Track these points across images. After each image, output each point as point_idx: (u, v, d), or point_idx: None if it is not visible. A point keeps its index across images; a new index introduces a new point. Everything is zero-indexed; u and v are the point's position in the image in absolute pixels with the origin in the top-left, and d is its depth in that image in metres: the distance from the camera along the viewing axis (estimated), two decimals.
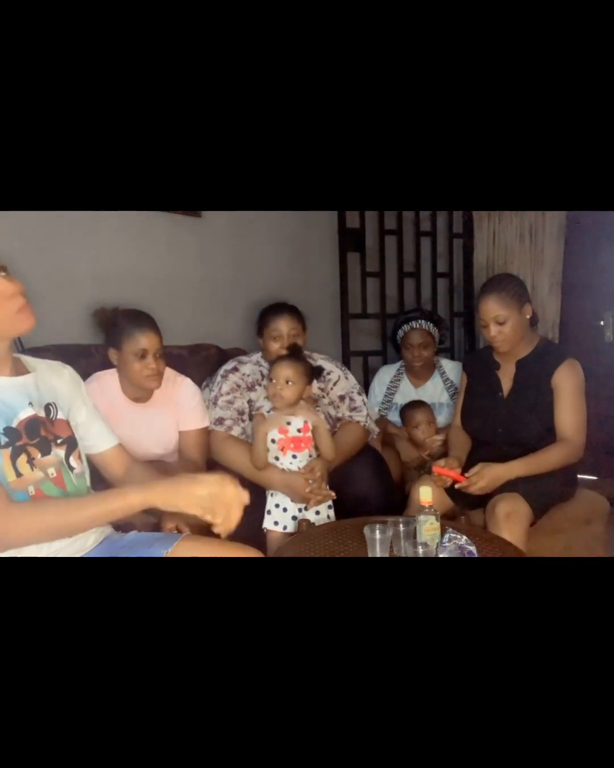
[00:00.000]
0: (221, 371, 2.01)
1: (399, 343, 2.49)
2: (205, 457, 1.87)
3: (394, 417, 2.44)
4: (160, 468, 1.75)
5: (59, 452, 1.19)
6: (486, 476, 1.65)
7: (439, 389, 2.46)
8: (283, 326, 1.94)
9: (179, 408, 1.83)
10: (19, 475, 1.09)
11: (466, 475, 1.68)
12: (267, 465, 1.76)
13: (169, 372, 1.82)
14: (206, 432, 1.88)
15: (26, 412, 1.14)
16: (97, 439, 1.34)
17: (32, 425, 1.14)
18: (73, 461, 1.22)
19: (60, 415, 1.23)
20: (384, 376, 2.57)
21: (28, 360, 1.24)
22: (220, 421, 1.90)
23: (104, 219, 2.09)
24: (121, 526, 1.35)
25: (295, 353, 1.85)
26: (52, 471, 1.16)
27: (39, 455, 1.14)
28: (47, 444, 1.16)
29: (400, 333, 2.48)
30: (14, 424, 1.11)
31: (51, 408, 1.21)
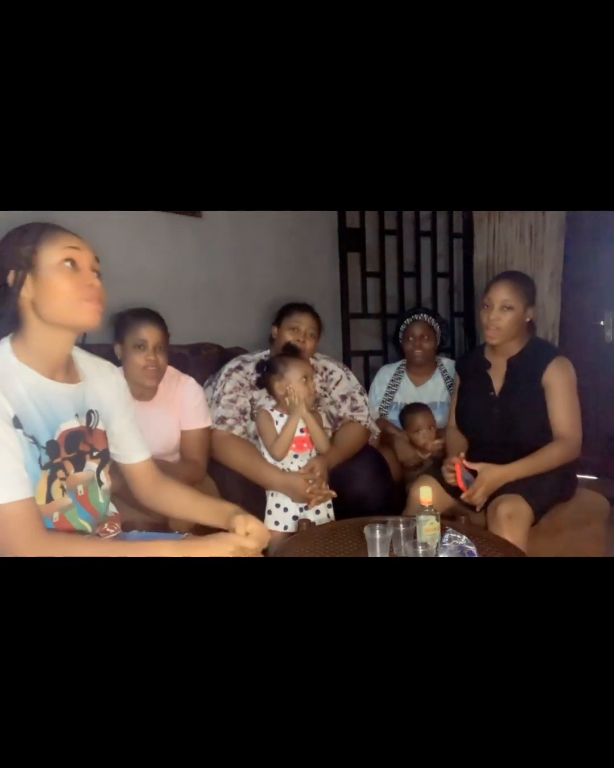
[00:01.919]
0: (224, 370, 2.01)
1: (401, 339, 2.50)
2: (206, 456, 1.87)
3: (395, 416, 2.44)
4: (162, 467, 1.76)
5: (92, 466, 1.15)
6: (486, 481, 1.66)
7: (441, 388, 2.46)
8: (305, 321, 2.00)
9: (182, 407, 1.83)
10: (50, 499, 1.06)
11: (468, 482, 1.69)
12: (246, 459, 1.79)
13: (172, 371, 1.83)
14: (208, 431, 1.88)
15: (69, 424, 1.10)
16: (132, 449, 1.27)
17: (72, 438, 1.10)
18: (103, 476, 1.18)
19: (99, 425, 1.19)
20: (384, 375, 2.58)
21: (80, 359, 1.18)
22: (222, 420, 1.90)
23: (104, 219, 2.09)
24: (123, 525, 1.35)
25: (295, 353, 1.86)
26: (80, 489, 1.12)
27: (73, 471, 1.10)
28: (82, 458, 1.12)
29: (402, 327, 2.50)
30: (56, 436, 1.07)
31: (92, 415, 1.17)
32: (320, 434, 1.81)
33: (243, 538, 1.11)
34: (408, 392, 2.48)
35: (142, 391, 1.77)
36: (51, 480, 1.06)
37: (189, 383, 1.87)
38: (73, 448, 1.10)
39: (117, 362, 1.78)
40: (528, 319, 1.82)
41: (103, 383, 1.21)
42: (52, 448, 1.06)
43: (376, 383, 2.58)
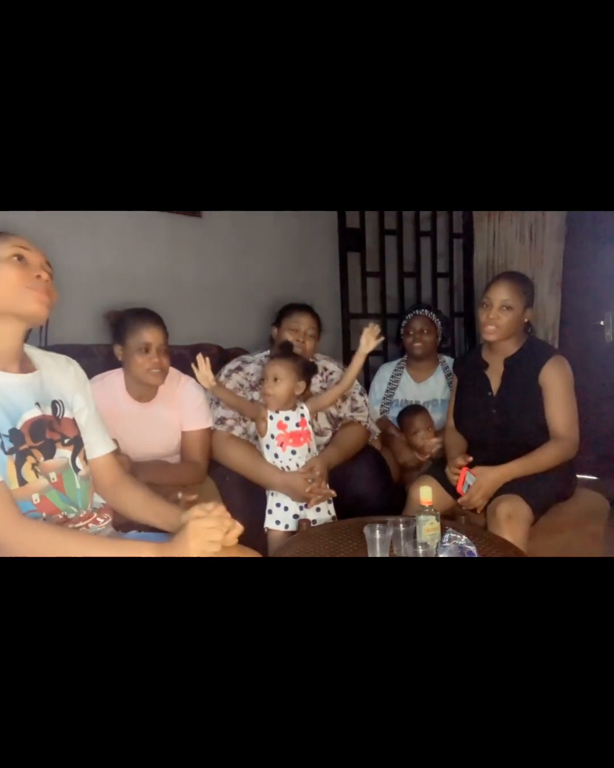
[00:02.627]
0: (225, 370, 2.01)
1: (401, 335, 2.51)
2: (207, 457, 1.87)
3: (395, 414, 2.44)
4: (162, 467, 1.76)
5: (65, 453, 1.17)
6: (484, 485, 1.66)
7: (442, 386, 2.45)
8: (304, 321, 2.00)
9: (182, 408, 1.83)
10: (23, 482, 1.07)
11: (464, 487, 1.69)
12: (246, 459, 1.80)
13: (172, 371, 1.83)
14: (208, 432, 1.88)
15: (32, 413, 1.12)
16: (93, 443, 1.28)
17: (37, 427, 1.12)
18: (79, 462, 1.19)
19: (66, 414, 1.20)
20: (384, 373, 2.57)
21: (34, 354, 1.21)
22: (222, 420, 1.90)
23: (104, 219, 2.09)
24: (121, 525, 1.35)
25: (286, 351, 1.86)
26: (53, 475, 1.13)
27: (42, 458, 1.11)
28: (51, 446, 1.14)
29: (403, 322, 2.50)
30: (18, 426, 1.09)
31: (58, 405, 1.19)
32: (322, 396, 1.87)
33: (204, 521, 1.07)
34: (409, 389, 2.48)
35: (143, 391, 1.77)
36: (19, 464, 1.07)
37: (189, 384, 1.87)
38: (39, 437, 1.12)
39: (116, 364, 1.78)
40: (526, 320, 1.83)
41: (60, 374, 1.24)
42: (15, 436, 1.08)
43: (376, 381, 2.58)
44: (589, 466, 2.83)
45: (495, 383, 1.88)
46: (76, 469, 1.19)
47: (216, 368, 2.11)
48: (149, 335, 1.70)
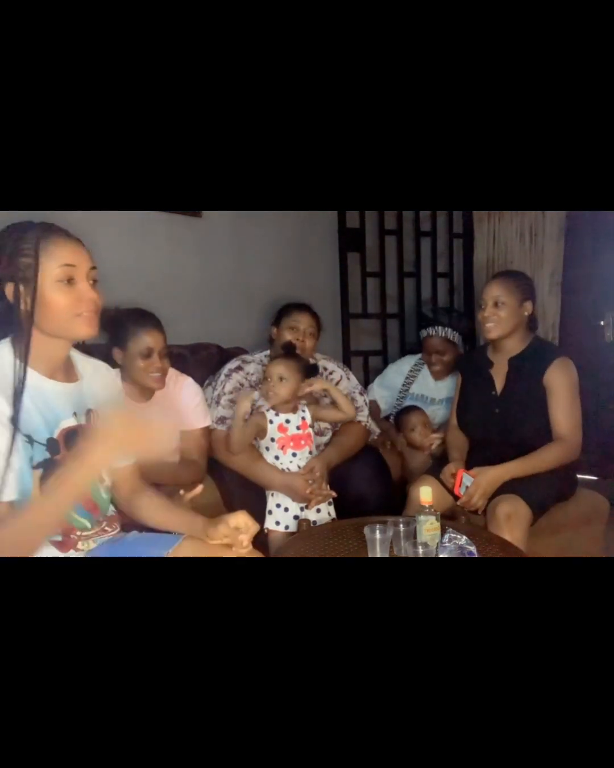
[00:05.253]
0: (225, 370, 2.01)
1: (421, 342, 2.49)
2: (206, 456, 1.87)
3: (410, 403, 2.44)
4: (161, 467, 1.76)
5: None
6: (482, 484, 1.66)
7: None
8: (303, 321, 2.00)
9: (181, 407, 1.83)
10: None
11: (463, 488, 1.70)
12: (245, 449, 1.79)
13: (171, 371, 1.82)
14: (208, 431, 1.88)
15: (68, 422, 1.12)
16: None
17: (71, 436, 1.11)
18: (104, 472, 1.19)
19: None
20: (404, 366, 2.54)
21: (77, 360, 1.21)
22: (222, 420, 1.90)
23: (104, 219, 2.09)
24: (123, 525, 1.35)
25: (288, 352, 1.86)
26: None
27: None
28: None
29: (422, 334, 2.47)
30: (55, 435, 1.09)
31: (92, 415, 1.18)
32: (332, 410, 1.87)
33: (233, 532, 1.18)
34: (427, 385, 2.46)
35: (141, 392, 1.76)
36: (45, 478, 1.06)
37: (187, 383, 1.87)
38: (73, 446, 1.11)
39: (113, 365, 1.77)
40: (526, 314, 1.83)
41: (99, 383, 1.23)
42: (52, 445, 1.08)
43: (394, 373, 2.54)
44: (589, 466, 2.82)
45: (499, 382, 1.88)
46: (102, 480, 1.19)
47: (216, 368, 2.12)
48: (151, 339, 1.69)
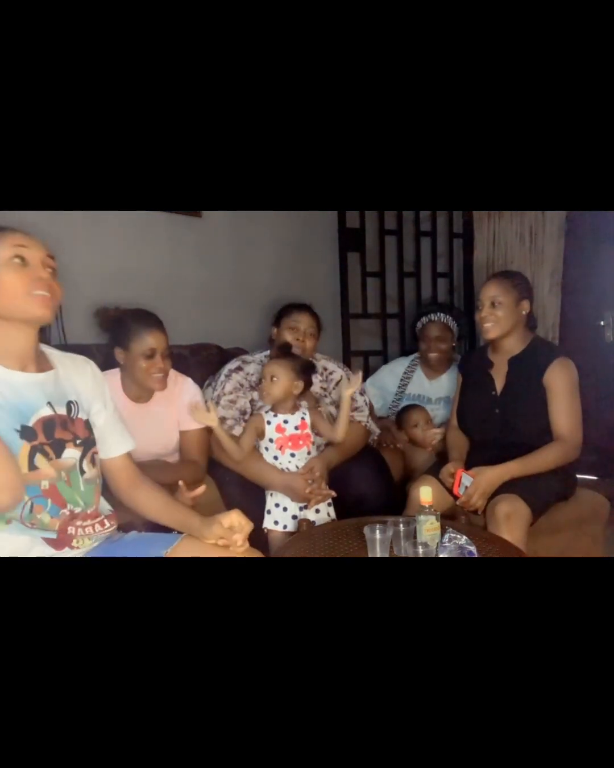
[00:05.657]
0: (225, 370, 2.01)
1: (417, 335, 2.49)
2: (205, 456, 1.87)
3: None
4: (161, 467, 1.76)
5: (74, 453, 1.17)
6: (481, 484, 1.66)
7: (455, 383, 2.45)
8: (303, 321, 2.00)
9: (180, 407, 1.83)
10: (34, 467, 1.09)
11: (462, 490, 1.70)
12: (246, 458, 1.80)
13: (171, 372, 1.82)
14: (207, 431, 1.88)
15: (45, 411, 1.13)
16: (113, 442, 1.29)
17: (49, 425, 1.12)
18: (86, 465, 1.20)
19: (80, 415, 1.21)
20: (398, 367, 2.55)
21: (51, 354, 1.22)
22: (222, 420, 1.90)
23: (104, 219, 2.09)
24: (122, 526, 1.35)
25: (283, 352, 1.86)
26: (62, 474, 1.14)
27: (54, 457, 1.13)
28: (61, 445, 1.14)
29: (419, 325, 2.48)
30: (31, 423, 1.10)
31: (73, 406, 1.19)
32: (328, 427, 1.86)
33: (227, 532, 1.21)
34: (422, 385, 2.47)
35: (140, 392, 1.76)
36: (32, 454, 1.08)
37: (187, 383, 1.87)
38: (50, 435, 1.13)
39: (114, 364, 1.77)
40: (524, 313, 1.83)
41: (78, 375, 1.24)
42: (27, 432, 1.09)
43: (387, 374, 2.55)
44: (589, 466, 2.82)
45: (499, 383, 1.88)
46: (82, 472, 1.19)
47: (216, 368, 2.11)
48: (154, 340, 1.69)
